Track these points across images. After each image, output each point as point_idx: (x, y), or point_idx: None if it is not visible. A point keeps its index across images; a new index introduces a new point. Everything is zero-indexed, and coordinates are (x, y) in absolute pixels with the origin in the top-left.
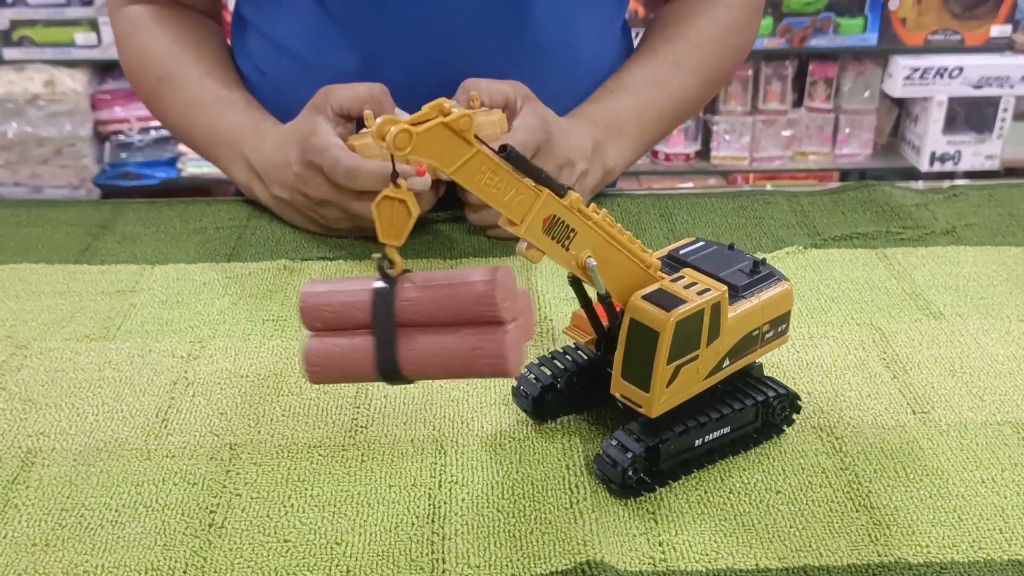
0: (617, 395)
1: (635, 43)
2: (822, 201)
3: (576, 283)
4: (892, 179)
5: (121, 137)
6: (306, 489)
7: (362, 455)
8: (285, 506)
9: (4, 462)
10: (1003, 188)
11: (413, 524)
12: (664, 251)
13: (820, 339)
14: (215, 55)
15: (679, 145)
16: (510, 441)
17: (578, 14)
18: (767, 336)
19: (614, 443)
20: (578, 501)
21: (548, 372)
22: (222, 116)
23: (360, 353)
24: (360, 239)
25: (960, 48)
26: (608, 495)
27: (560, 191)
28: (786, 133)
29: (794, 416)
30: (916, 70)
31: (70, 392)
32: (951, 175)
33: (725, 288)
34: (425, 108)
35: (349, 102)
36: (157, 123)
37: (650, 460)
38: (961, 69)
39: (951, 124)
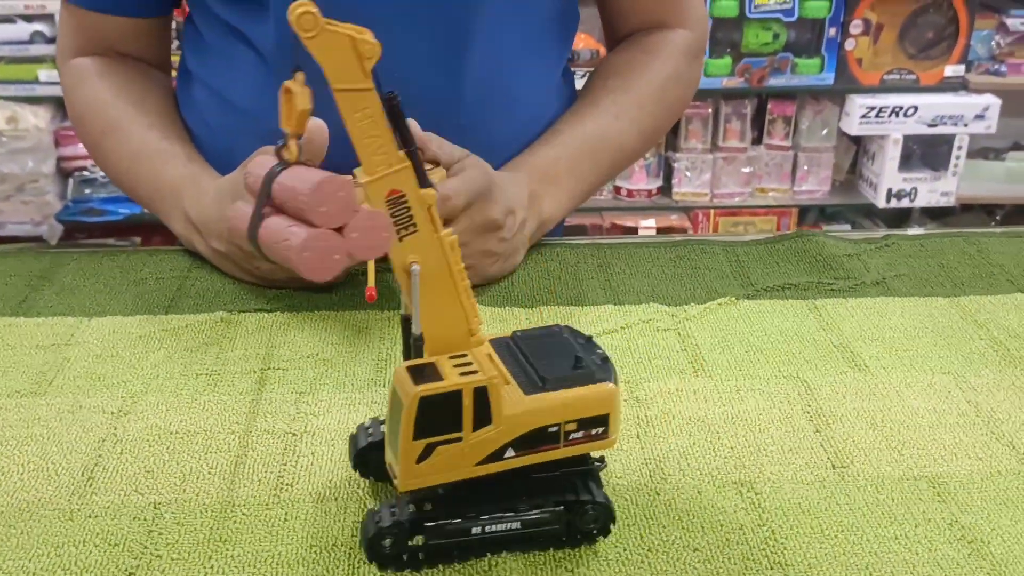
0: (387, 463)
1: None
2: (757, 251)
3: (407, 323)
4: (850, 215)
5: (84, 173)
6: (227, 549)
7: (285, 514)
8: (204, 567)
9: None
10: (934, 238)
11: None
12: (519, 331)
13: (746, 392)
14: (158, 107)
15: (641, 181)
16: None
17: (517, 61)
18: (572, 435)
19: (374, 511)
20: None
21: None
22: (163, 169)
23: (246, 219)
24: (298, 289)
25: (915, 87)
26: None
27: (423, 179)
28: (746, 170)
29: (610, 527)
30: (872, 109)
31: None
32: (908, 212)
33: (495, 375)
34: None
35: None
36: None
37: (413, 535)
38: (916, 108)
39: (907, 162)
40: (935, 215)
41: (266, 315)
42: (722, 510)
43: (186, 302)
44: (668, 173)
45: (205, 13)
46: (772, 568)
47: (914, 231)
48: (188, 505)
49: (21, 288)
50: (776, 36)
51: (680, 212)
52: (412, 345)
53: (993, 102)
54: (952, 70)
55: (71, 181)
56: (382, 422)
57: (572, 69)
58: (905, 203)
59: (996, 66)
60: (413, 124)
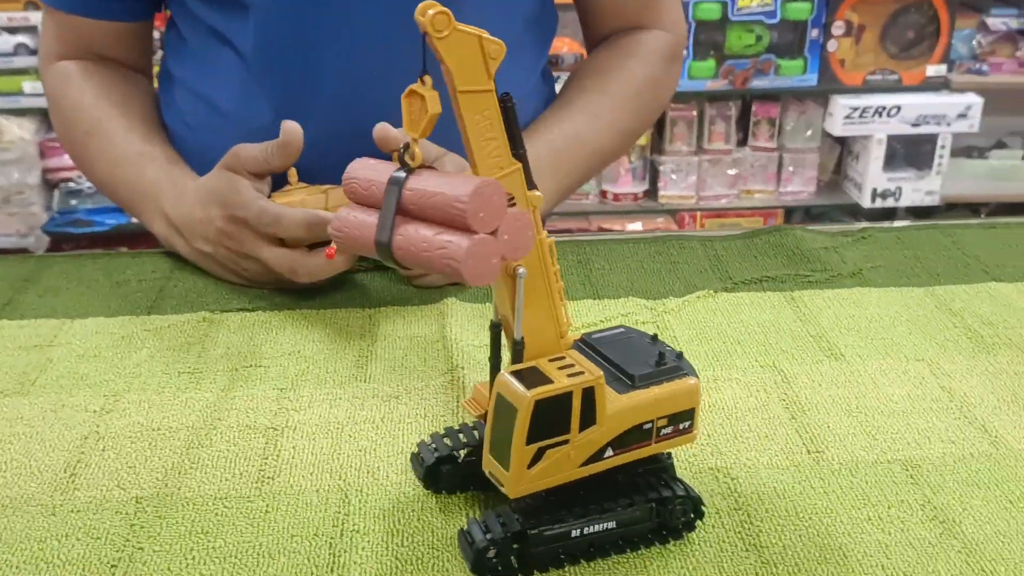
0: (486, 472)
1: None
2: (735, 246)
3: (496, 331)
4: (836, 215)
5: (70, 184)
6: (208, 541)
7: (267, 506)
8: (186, 558)
9: None
10: (911, 230)
11: (312, 573)
12: (579, 334)
13: (724, 382)
14: (140, 110)
15: (627, 185)
16: (415, 490)
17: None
18: (664, 431)
19: (479, 522)
20: None
21: (449, 443)
22: (143, 171)
23: (367, 227)
24: (280, 291)
25: (898, 87)
26: None
27: (530, 181)
28: (731, 172)
29: (697, 522)
30: (855, 109)
31: None
32: (893, 211)
33: (601, 374)
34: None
35: (253, 163)
36: None
37: (519, 544)
38: (899, 108)
39: (891, 161)
40: (920, 214)
41: (248, 314)
42: (699, 495)
43: (168, 303)
44: (654, 176)
45: (186, 16)
46: (747, 550)
47: (890, 224)
48: (170, 499)
49: (5, 291)
50: (759, 38)
51: (666, 215)
52: (513, 350)
53: (975, 101)
54: (934, 70)
55: (57, 192)
56: (443, 436)
57: (555, 73)
58: (890, 202)
59: (978, 65)
60: (383, 126)
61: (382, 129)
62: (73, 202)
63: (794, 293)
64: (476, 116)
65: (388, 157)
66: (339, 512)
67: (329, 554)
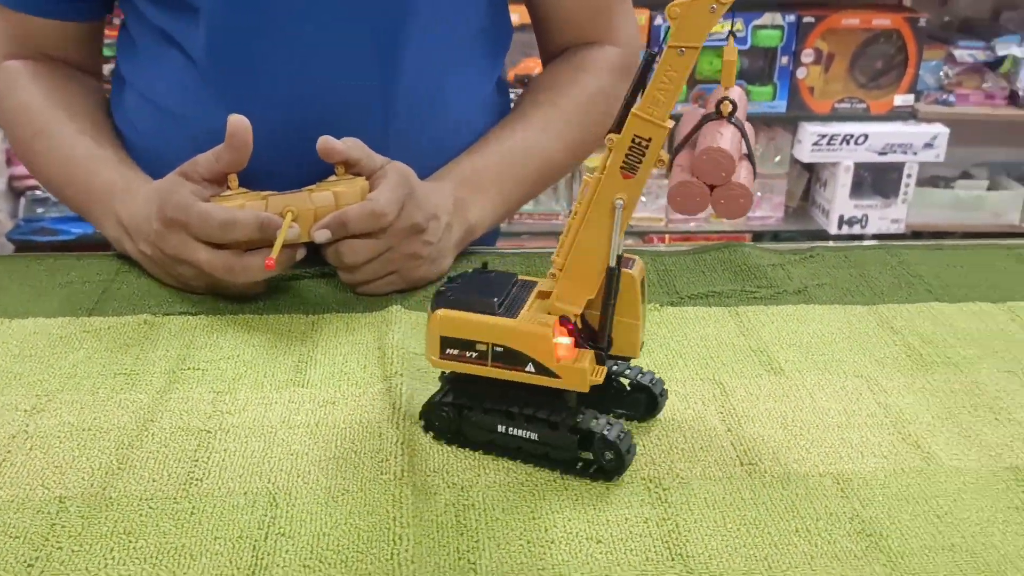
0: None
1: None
2: (684, 261)
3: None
4: (803, 241)
5: (36, 192)
6: (130, 542)
7: (193, 508)
8: (106, 559)
9: None
10: (858, 250)
11: (233, 575)
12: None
13: None
14: (90, 111)
15: None
16: (343, 493)
17: (447, 70)
18: None
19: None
20: (399, 553)
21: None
22: (94, 173)
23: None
24: (223, 297)
25: (865, 116)
26: (428, 555)
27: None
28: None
29: (620, 467)
30: (824, 136)
31: None
32: (860, 238)
33: None
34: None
35: (205, 164)
36: None
37: (459, 415)
38: (866, 136)
39: (858, 189)
40: (886, 240)
41: (190, 318)
42: (628, 504)
43: (111, 304)
44: None
45: (138, 18)
46: (673, 560)
47: (836, 244)
48: (94, 499)
49: None
50: None
51: (635, 236)
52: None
53: (942, 131)
54: (902, 99)
55: (23, 200)
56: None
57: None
58: (856, 229)
59: (945, 96)
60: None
61: (325, 142)
62: (40, 210)
63: (739, 308)
64: (678, 71)
65: (331, 168)
66: (266, 515)
67: (252, 556)
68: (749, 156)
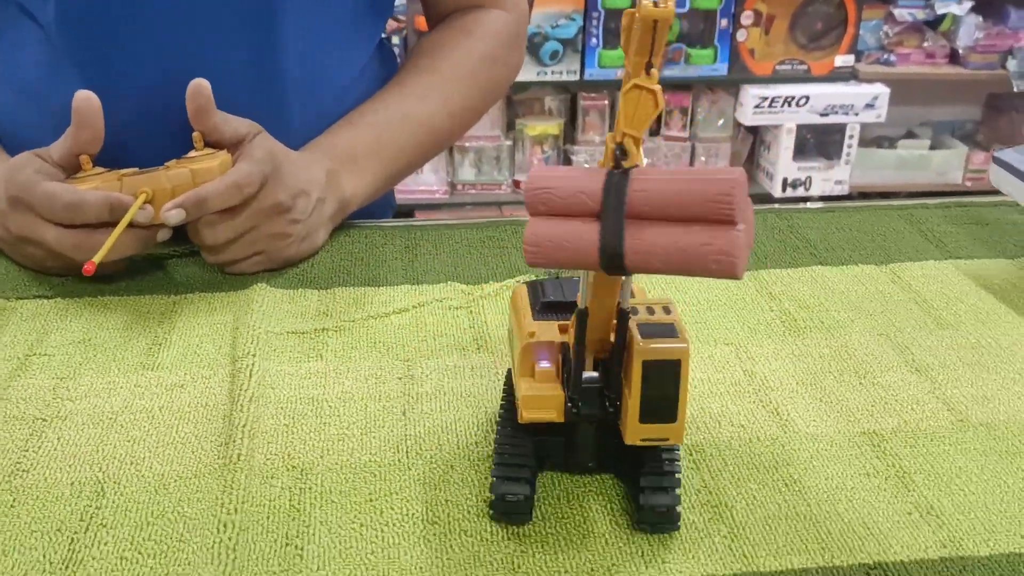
0: (638, 441)
1: None
2: None
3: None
4: None
5: None
6: None
7: (14, 500)
8: None
9: None
10: (780, 213)
11: (44, 570)
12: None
13: None
14: None
15: None
16: (175, 480)
17: (326, 39)
18: None
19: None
20: (221, 541)
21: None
22: None
23: (586, 237)
24: (74, 278)
25: (807, 77)
26: (253, 541)
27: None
28: (645, 161)
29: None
30: (765, 99)
31: None
32: (804, 199)
33: None
34: None
35: (59, 144)
36: None
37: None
38: (808, 98)
39: (801, 151)
40: (831, 202)
41: (45, 301)
42: (471, 483)
43: None
44: (567, 165)
45: None
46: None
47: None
48: None
49: None
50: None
51: None
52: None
53: (882, 91)
54: (842, 60)
55: None
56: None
57: None
58: (800, 192)
59: (885, 56)
60: (196, 93)
61: (209, 118)
62: None
63: None
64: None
65: (189, 137)
66: (90, 505)
67: (68, 549)
68: None
